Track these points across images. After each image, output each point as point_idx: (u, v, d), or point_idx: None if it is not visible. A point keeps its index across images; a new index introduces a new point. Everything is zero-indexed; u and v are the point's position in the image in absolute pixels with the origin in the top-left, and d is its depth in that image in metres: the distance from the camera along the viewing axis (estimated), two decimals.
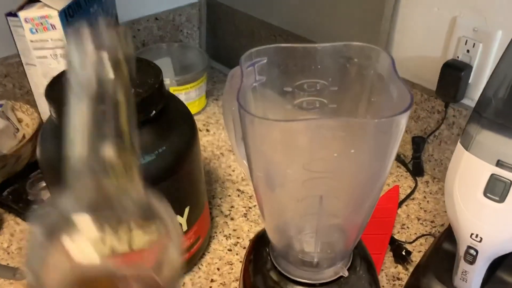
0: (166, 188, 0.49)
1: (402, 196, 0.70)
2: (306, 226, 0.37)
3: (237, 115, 0.42)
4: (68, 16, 0.62)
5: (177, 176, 0.50)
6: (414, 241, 0.63)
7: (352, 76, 0.39)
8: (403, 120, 0.30)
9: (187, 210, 0.53)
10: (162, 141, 0.49)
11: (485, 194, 0.43)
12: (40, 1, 0.60)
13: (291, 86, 0.40)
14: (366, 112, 0.40)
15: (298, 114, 0.41)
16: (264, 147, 0.32)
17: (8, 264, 0.61)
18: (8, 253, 0.62)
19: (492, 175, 0.42)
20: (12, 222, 0.67)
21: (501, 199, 0.42)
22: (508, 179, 0.42)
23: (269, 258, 0.43)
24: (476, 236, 0.44)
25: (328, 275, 0.41)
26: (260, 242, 0.47)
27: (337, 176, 0.32)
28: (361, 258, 0.44)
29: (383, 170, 0.33)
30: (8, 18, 0.62)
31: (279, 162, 0.33)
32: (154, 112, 0.48)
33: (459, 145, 0.45)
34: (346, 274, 0.41)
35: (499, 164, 0.42)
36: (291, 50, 0.39)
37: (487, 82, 0.43)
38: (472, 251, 0.46)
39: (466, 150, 0.44)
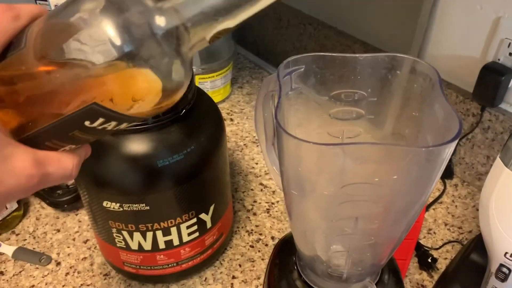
0: (192, 187, 0.49)
1: (430, 199, 0.68)
2: (338, 244, 0.36)
3: (268, 121, 0.41)
4: None
5: (204, 175, 0.50)
6: (440, 247, 0.61)
7: (394, 88, 0.37)
8: (450, 149, 0.28)
9: (212, 207, 0.53)
10: (191, 140, 0.48)
11: None
12: None
13: (327, 95, 0.39)
14: (406, 126, 0.38)
15: (333, 123, 0.40)
16: (301, 167, 0.31)
17: (34, 248, 0.62)
18: (34, 237, 0.63)
19: None
20: (38, 206, 0.68)
21: None
22: None
23: (295, 267, 0.43)
24: (511, 255, 0.43)
25: None
26: (287, 247, 0.46)
27: (376, 199, 0.31)
28: (389, 272, 0.43)
29: (425, 194, 0.31)
30: (38, 2, 0.62)
31: (316, 183, 0.31)
32: (183, 111, 0.47)
33: (498, 160, 0.43)
34: None
35: None
36: (329, 59, 0.37)
37: None
38: (504, 270, 0.44)
39: (506, 166, 0.42)
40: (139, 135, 0.46)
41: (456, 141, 0.28)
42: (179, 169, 0.47)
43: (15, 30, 0.25)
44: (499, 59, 0.60)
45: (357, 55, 0.36)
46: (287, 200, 0.35)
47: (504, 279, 0.45)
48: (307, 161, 0.30)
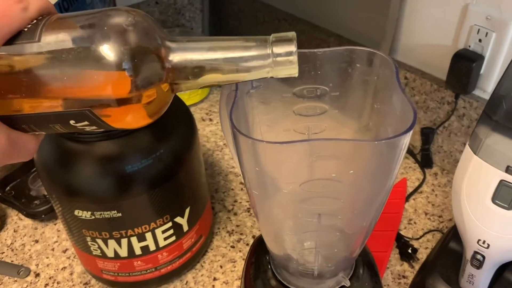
0: (165, 191, 0.48)
1: (409, 189, 0.68)
2: (305, 242, 0.36)
3: None
4: (63, 9, 0.60)
5: (176, 178, 0.49)
6: (421, 237, 0.61)
7: (354, 82, 0.37)
8: (405, 140, 0.28)
9: (187, 210, 0.53)
10: (160, 144, 0.47)
11: (493, 201, 0.41)
12: None
13: (289, 92, 0.38)
14: (369, 119, 0.38)
15: (299, 119, 0.40)
16: (258, 167, 0.30)
17: (12, 261, 0.61)
18: (12, 250, 0.63)
19: (501, 181, 0.41)
20: (16, 218, 0.67)
21: (510, 206, 0.40)
22: None
23: (269, 266, 0.42)
24: (484, 242, 0.43)
25: (329, 285, 0.40)
26: (261, 246, 0.46)
27: (335, 195, 0.30)
28: (364, 265, 0.43)
29: (385, 188, 0.31)
30: None
31: (274, 182, 0.31)
32: None
33: (467, 148, 0.43)
34: (347, 284, 0.40)
35: (509, 170, 0.40)
36: None
37: (498, 83, 0.41)
38: (479, 257, 0.44)
39: (475, 154, 0.42)
40: (106, 142, 0.45)
41: (411, 132, 0.28)
42: (149, 174, 0.46)
43: (24, 20, 0.27)
44: (469, 46, 0.60)
45: (315, 50, 0.36)
46: (251, 201, 0.35)
47: (479, 266, 0.45)
48: (263, 160, 0.29)
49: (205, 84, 0.30)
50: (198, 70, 0.29)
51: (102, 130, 0.30)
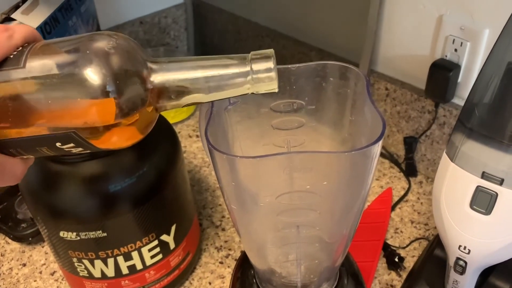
0: (149, 209, 0.49)
1: (395, 199, 0.69)
2: (286, 254, 0.36)
3: None
4: (45, 33, 0.61)
5: (160, 196, 0.49)
6: (407, 245, 0.62)
7: (329, 95, 0.38)
8: (375, 150, 0.29)
9: (173, 227, 0.53)
10: (143, 162, 0.48)
11: (471, 206, 0.42)
12: (15, 20, 0.59)
13: (267, 107, 0.39)
14: (346, 130, 0.39)
15: (277, 133, 0.40)
16: (235, 182, 0.31)
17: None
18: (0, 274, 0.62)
19: (477, 187, 0.41)
20: (3, 242, 0.67)
21: (488, 211, 0.41)
22: (493, 191, 0.41)
23: (254, 280, 0.42)
24: (464, 248, 0.44)
25: None
26: (247, 261, 0.46)
27: (312, 206, 0.31)
28: (348, 275, 0.43)
29: (360, 197, 0.32)
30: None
31: (251, 196, 0.32)
32: None
33: (444, 155, 0.44)
34: None
35: (484, 176, 0.41)
36: None
37: (470, 91, 0.42)
38: (461, 262, 0.45)
39: (452, 161, 0.43)
40: (89, 162, 0.45)
41: (380, 142, 0.28)
42: (133, 193, 0.47)
43: (10, 48, 0.28)
44: (446, 56, 0.62)
45: (289, 65, 0.37)
46: (232, 216, 0.36)
47: (462, 272, 0.45)
48: (239, 175, 0.30)
49: (188, 103, 0.31)
50: (180, 89, 0.30)
51: (88, 151, 0.31)
